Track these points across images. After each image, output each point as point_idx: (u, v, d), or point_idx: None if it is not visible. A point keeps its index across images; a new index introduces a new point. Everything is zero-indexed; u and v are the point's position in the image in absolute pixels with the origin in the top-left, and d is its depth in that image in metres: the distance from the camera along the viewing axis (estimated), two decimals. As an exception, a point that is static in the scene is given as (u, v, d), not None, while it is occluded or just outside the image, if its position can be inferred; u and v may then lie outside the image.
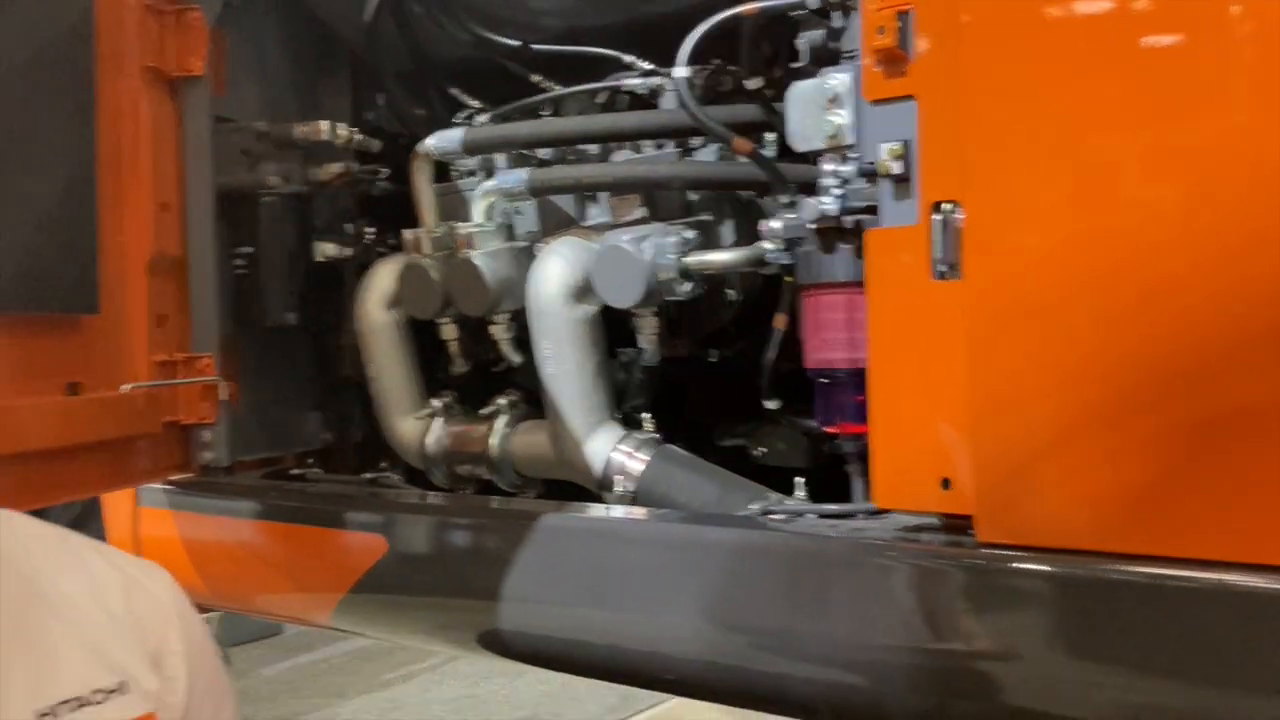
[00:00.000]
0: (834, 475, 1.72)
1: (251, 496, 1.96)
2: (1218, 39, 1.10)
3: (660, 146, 1.88)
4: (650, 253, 1.72)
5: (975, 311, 1.22)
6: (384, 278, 2.11)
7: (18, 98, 1.66)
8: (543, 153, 2.01)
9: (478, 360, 2.11)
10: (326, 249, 2.17)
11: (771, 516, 1.54)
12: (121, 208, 1.91)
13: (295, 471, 2.16)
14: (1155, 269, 1.13)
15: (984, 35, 1.22)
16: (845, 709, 1.38)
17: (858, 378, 1.45)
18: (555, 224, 1.98)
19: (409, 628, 1.85)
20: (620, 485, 1.78)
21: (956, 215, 1.25)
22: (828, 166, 1.41)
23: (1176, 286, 1.12)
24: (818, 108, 1.40)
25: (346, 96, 2.33)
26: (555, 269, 1.81)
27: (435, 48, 2.15)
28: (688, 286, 1.74)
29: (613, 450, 1.81)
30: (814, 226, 1.44)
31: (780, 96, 1.64)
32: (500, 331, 1.98)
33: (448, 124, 2.15)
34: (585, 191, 1.93)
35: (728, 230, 1.83)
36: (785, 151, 1.68)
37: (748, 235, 1.79)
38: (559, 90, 2.01)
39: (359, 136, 2.19)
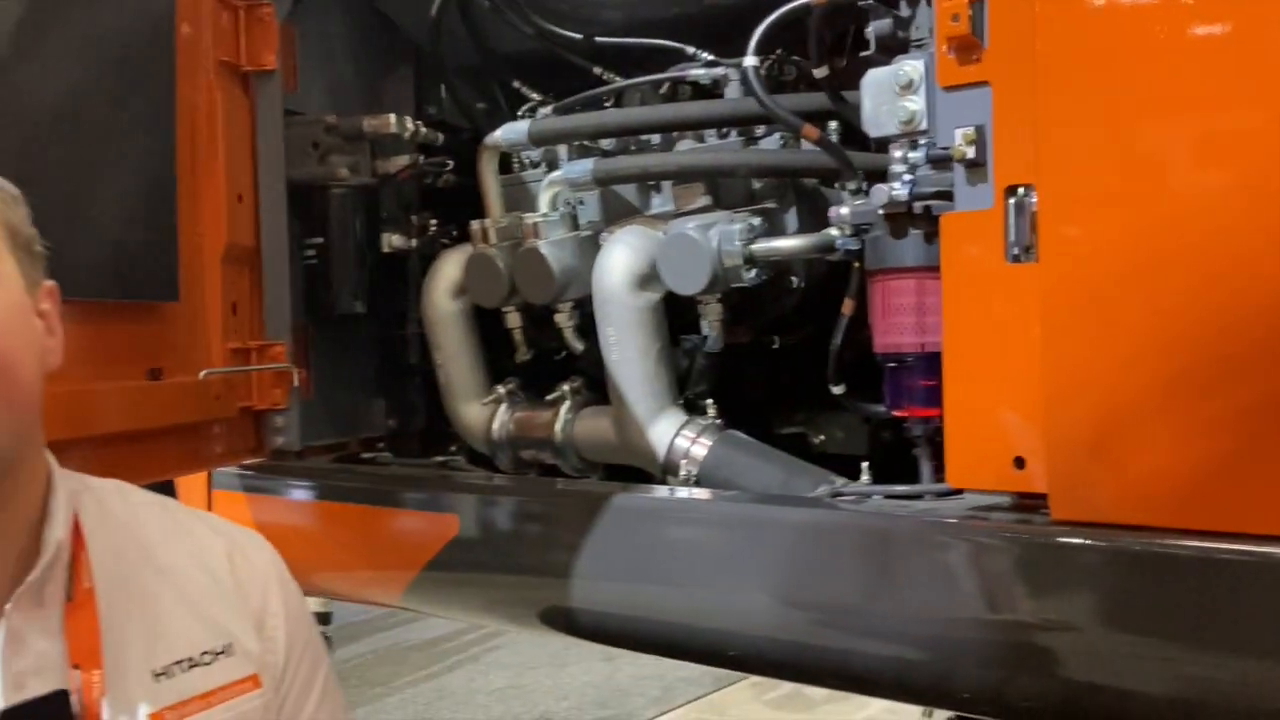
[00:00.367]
0: (893, 461, 1.75)
1: (325, 479, 2.02)
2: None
3: (723, 136, 1.91)
4: (716, 240, 1.76)
5: (1049, 294, 1.25)
6: (450, 267, 2.15)
7: (106, 94, 1.72)
8: (604, 143, 2.05)
9: (541, 347, 2.15)
10: (393, 240, 2.21)
11: (841, 498, 1.57)
12: (198, 199, 1.96)
13: (366, 455, 2.21)
14: (1225, 252, 1.15)
15: (1057, 21, 1.24)
16: (912, 683, 1.41)
17: (926, 362, 1.48)
18: (618, 213, 2.02)
19: (477, 606, 1.90)
20: (684, 469, 1.82)
21: (1030, 199, 1.27)
22: (897, 153, 1.44)
23: (1247, 269, 1.14)
24: (892, 94, 1.43)
25: (409, 90, 2.38)
26: (621, 257, 1.85)
27: (498, 41, 2.20)
28: (752, 273, 1.77)
29: (676, 435, 1.84)
30: (884, 212, 1.47)
31: (843, 85, 1.67)
32: (564, 319, 2.02)
33: (510, 116, 2.19)
34: (650, 181, 1.96)
35: (791, 217, 1.86)
36: (847, 139, 1.72)
37: (811, 222, 1.83)
38: (622, 82, 2.04)
39: (424, 130, 2.23)
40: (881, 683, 1.44)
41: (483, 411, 2.14)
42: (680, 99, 1.98)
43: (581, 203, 2.04)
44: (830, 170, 1.71)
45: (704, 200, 1.90)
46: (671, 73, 1.96)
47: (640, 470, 1.93)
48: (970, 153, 1.31)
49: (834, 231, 1.62)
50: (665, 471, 1.85)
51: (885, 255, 1.52)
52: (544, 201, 2.01)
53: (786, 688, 5.14)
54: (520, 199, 2.11)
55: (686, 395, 1.93)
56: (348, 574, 2.00)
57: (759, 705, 5.10)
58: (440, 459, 2.14)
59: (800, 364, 1.95)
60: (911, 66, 1.41)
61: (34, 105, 1.59)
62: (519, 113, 2.17)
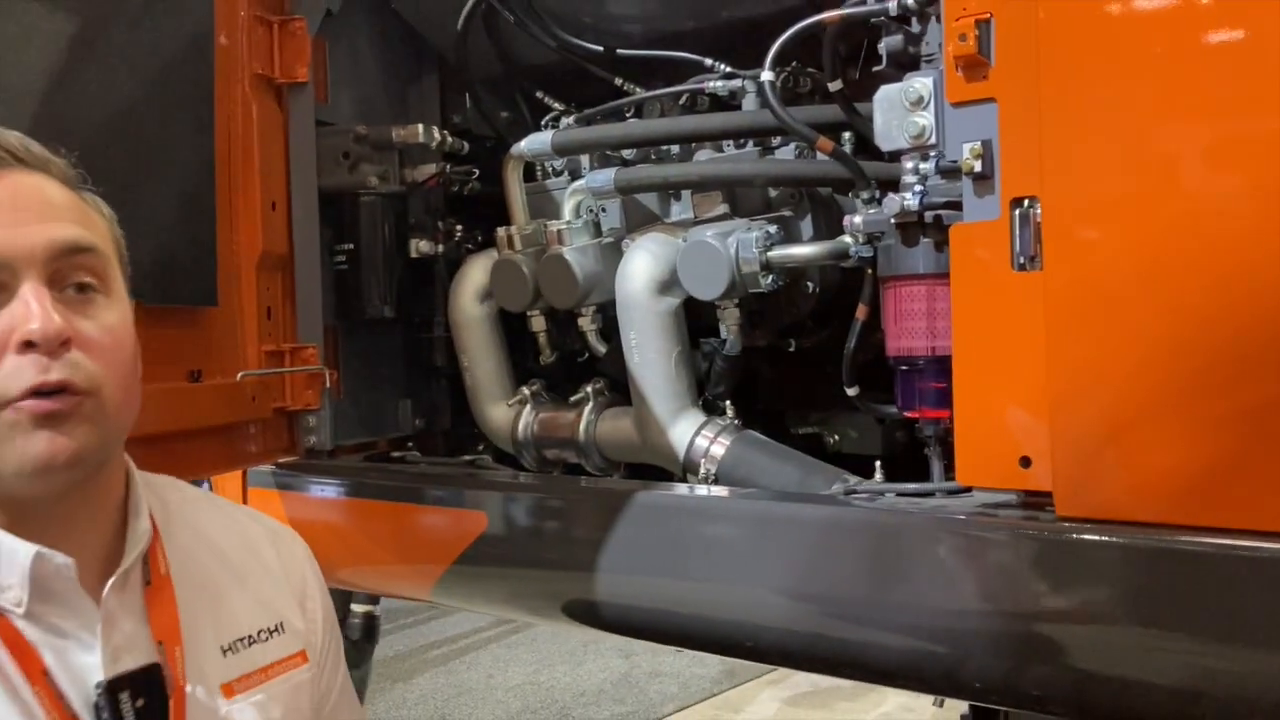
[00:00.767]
0: (906, 461, 1.81)
1: (357, 477, 2.09)
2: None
3: (740, 146, 1.97)
4: (734, 247, 1.82)
5: (1053, 300, 1.30)
6: (476, 272, 2.22)
7: (151, 109, 1.80)
8: (625, 153, 2.11)
9: (564, 350, 2.22)
10: (421, 245, 2.29)
11: (854, 496, 1.63)
12: (234, 207, 2.04)
13: (395, 454, 2.28)
14: (1217, 259, 1.21)
15: (1060, 42, 1.30)
16: (923, 673, 1.47)
17: (937, 365, 1.54)
18: (639, 220, 2.08)
19: (504, 599, 1.96)
20: (704, 468, 1.88)
21: (1035, 210, 1.33)
22: (909, 164, 1.50)
23: (1237, 276, 1.19)
24: (902, 109, 1.48)
25: (435, 100, 2.45)
26: (642, 263, 1.91)
27: (522, 53, 2.26)
28: (769, 279, 1.83)
29: (696, 435, 1.90)
30: (896, 221, 1.53)
31: (858, 96, 1.73)
32: (587, 323, 2.09)
33: (533, 125, 2.26)
34: (671, 190, 2.03)
35: (806, 225, 1.91)
36: (860, 151, 1.78)
37: (825, 230, 1.89)
38: (643, 93, 2.11)
39: (450, 139, 2.30)
40: (893, 672, 1.49)
41: (508, 412, 2.21)
42: (699, 110, 2.03)
43: (604, 210, 2.11)
44: (844, 180, 1.76)
45: (722, 208, 1.96)
46: (690, 84, 2.01)
47: (661, 469, 1.99)
48: (978, 166, 1.37)
49: (848, 239, 1.68)
50: (685, 470, 1.91)
51: (897, 262, 1.57)
52: (567, 209, 2.08)
53: (803, 686, 5.19)
54: (544, 206, 2.17)
55: (706, 396, 1.99)
56: (380, 568, 2.07)
57: (776, 703, 5.15)
58: (468, 458, 2.21)
59: (816, 366, 2.01)
60: (921, 83, 1.47)
61: (87, 120, 1.67)
62: (542, 123, 2.23)
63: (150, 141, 1.80)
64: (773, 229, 1.84)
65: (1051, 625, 1.34)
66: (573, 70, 2.19)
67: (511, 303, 2.14)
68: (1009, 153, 1.36)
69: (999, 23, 1.36)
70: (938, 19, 1.51)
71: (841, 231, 1.70)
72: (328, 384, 2.14)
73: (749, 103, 1.93)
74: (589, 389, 2.12)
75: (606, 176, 2.01)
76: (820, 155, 1.74)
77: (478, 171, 2.35)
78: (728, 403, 1.95)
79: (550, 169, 2.21)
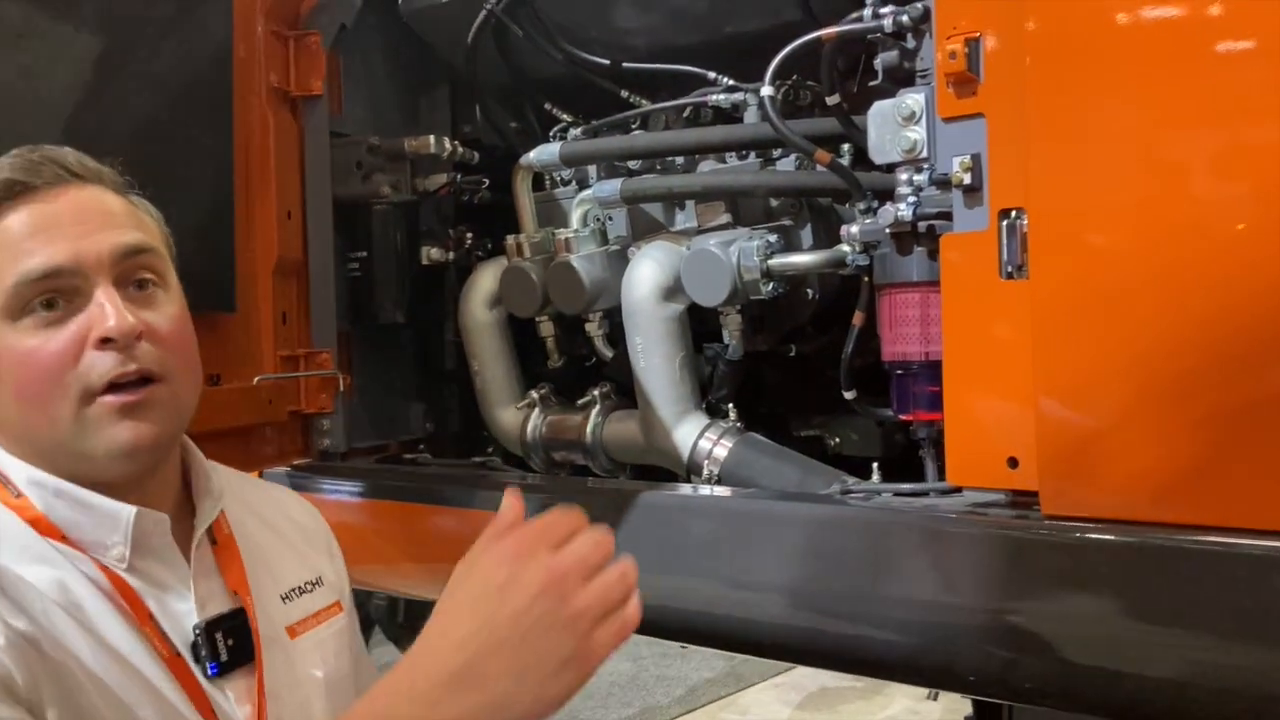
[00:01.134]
0: (904, 462, 1.86)
1: (370, 479, 2.14)
2: (1258, 58, 1.22)
3: (742, 157, 2.03)
4: (736, 255, 1.87)
5: (1039, 307, 1.35)
6: (486, 279, 2.28)
7: (173, 121, 1.87)
8: (631, 163, 2.16)
9: (572, 355, 2.27)
10: (432, 253, 2.35)
11: (850, 495, 1.68)
12: (252, 216, 2.11)
13: (407, 456, 2.34)
14: (1196, 268, 1.26)
15: (1044, 61, 1.35)
16: (920, 667, 1.52)
17: (930, 369, 1.59)
18: (644, 229, 2.14)
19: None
20: (707, 469, 1.93)
21: (1022, 222, 1.38)
22: (903, 176, 1.56)
23: (1213, 284, 1.24)
24: (895, 124, 1.54)
25: (446, 111, 2.50)
26: (648, 271, 1.97)
27: (530, 65, 2.31)
28: (770, 286, 1.88)
29: (700, 437, 1.95)
30: (891, 231, 1.58)
31: (855, 110, 1.79)
32: (594, 328, 2.14)
33: (541, 136, 2.32)
34: (675, 199, 2.08)
35: (806, 234, 1.97)
36: (858, 162, 1.83)
37: (825, 239, 1.94)
38: (648, 106, 2.16)
39: (461, 149, 2.36)
40: (888, 666, 1.55)
41: (517, 415, 2.27)
42: (702, 122, 2.09)
43: (610, 219, 2.17)
44: (842, 191, 1.81)
45: (725, 218, 2.02)
46: (694, 97, 2.06)
47: (666, 470, 2.05)
48: (967, 179, 1.43)
49: (845, 248, 1.73)
50: (689, 471, 1.96)
51: (892, 271, 1.63)
52: (575, 218, 2.14)
53: (810, 689, 5.23)
54: (552, 215, 2.23)
55: (709, 400, 2.04)
56: (393, 568, 2.12)
57: (782, 705, 5.17)
58: (478, 460, 2.27)
59: (816, 371, 2.06)
60: (913, 99, 1.52)
61: (114, 133, 1.74)
62: (550, 133, 2.28)
63: (172, 153, 1.87)
64: (773, 238, 1.89)
65: (1037, 619, 1.39)
66: (580, 82, 2.25)
67: (520, 308, 2.19)
68: (997, 166, 1.41)
69: (988, 41, 1.41)
70: (931, 35, 1.56)
71: (840, 241, 1.76)
72: (341, 388, 2.20)
73: (750, 115, 1.99)
74: (596, 392, 2.17)
75: (613, 187, 2.06)
76: (819, 167, 1.79)
77: (488, 181, 2.41)
78: (730, 406, 2.00)
79: (558, 179, 2.27)
